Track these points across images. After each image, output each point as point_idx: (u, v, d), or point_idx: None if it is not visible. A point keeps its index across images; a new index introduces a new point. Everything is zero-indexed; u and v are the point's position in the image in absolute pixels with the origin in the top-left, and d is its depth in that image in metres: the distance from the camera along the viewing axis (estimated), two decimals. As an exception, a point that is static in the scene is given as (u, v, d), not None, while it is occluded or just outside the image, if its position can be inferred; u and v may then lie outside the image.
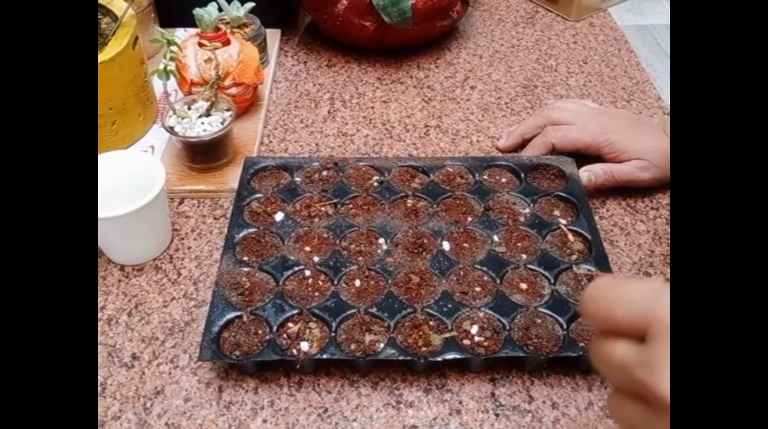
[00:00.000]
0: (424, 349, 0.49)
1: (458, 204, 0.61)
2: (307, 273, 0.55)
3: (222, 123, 0.65)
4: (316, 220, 0.60)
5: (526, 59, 0.88)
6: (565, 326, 0.51)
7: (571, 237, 0.58)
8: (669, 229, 0.64)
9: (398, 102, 0.80)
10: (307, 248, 0.57)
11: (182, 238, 0.63)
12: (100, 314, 0.56)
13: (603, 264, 0.55)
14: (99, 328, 0.55)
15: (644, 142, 0.65)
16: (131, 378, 0.51)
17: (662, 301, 0.28)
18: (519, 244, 0.58)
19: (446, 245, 0.57)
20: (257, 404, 0.50)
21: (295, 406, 0.49)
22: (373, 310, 0.52)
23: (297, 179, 0.64)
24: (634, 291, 0.30)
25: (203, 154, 0.66)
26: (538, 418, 0.49)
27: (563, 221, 0.60)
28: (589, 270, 0.55)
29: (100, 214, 0.52)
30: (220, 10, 0.73)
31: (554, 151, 0.68)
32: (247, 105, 0.75)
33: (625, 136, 0.66)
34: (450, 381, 0.51)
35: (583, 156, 0.67)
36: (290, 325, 0.51)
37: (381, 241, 0.58)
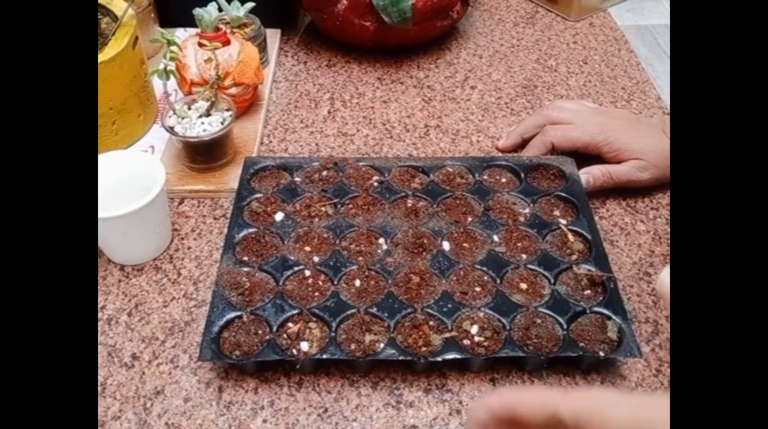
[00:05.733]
0: (424, 349, 0.49)
1: (458, 204, 0.61)
2: (307, 273, 0.55)
3: (222, 123, 0.65)
4: (316, 220, 0.60)
5: (526, 59, 0.88)
6: (565, 326, 0.51)
7: (571, 237, 0.58)
8: (669, 229, 0.64)
9: (398, 102, 0.80)
10: (307, 248, 0.57)
11: (182, 238, 0.63)
12: (100, 314, 0.56)
13: (603, 264, 0.55)
14: (99, 328, 0.55)
15: (643, 142, 0.65)
16: (131, 378, 0.51)
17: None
18: (519, 244, 0.58)
19: (446, 245, 0.57)
20: (257, 404, 0.50)
21: (295, 406, 0.49)
22: (373, 310, 0.52)
23: (297, 179, 0.64)
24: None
25: (203, 154, 0.66)
26: (538, 418, 0.49)
27: (563, 221, 0.60)
28: (589, 270, 0.55)
29: (100, 214, 0.52)
30: (220, 10, 0.73)
31: (554, 150, 0.68)
32: (247, 105, 0.75)
33: (624, 135, 0.66)
34: (450, 381, 0.51)
35: (583, 156, 0.67)
36: (290, 325, 0.51)
37: (381, 241, 0.58)
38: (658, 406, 0.26)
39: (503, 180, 0.65)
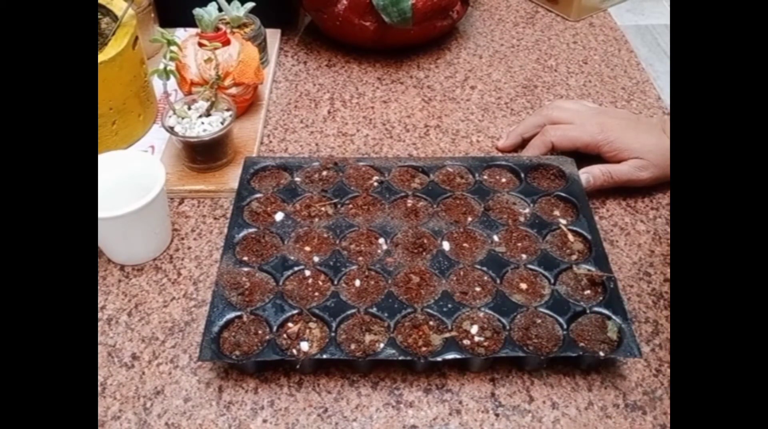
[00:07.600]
0: (424, 349, 0.49)
1: (458, 204, 0.61)
2: (307, 273, 0.55)
3: (222, 123, 0.65)
4: (316, 220, 0.60)
5: (526, 59, 0.88)
6: (565, 326, 0.51)
7: (571, 237, 0.58)
8: (669, 229, 0.64)
9: (398, 102, 0.80)
10: (307, 248, 0.57)
11: (182, 238, 0.63)
12: (100, 314, 0.56)
13: (603, 264, 0.55)
14: (99, 328, 0.55)
15: (643, 142, 0.65)
16: (131, 378, 0.51)
17: None
18: (519, 244, 0.58)
19: (446, 245, 0.57)
20: (257, 404, 0.50)
21: (295, 406, 0.49)
22: (373, 310, 0.52)
23: (297, 179, 0.64)
24: None
25: (203, 154, 0.66)
26: (538, 418, 0.49)
27: (563, 221, 0.60)
28: (589, 270, 0.55)
29: (100, 214, 0.52)
30: (220, 10, 0.73)
31: (554, 150, 0.68)
32: (247, 105, 0.75)
33: (624, 135, 0.66)
34: (450, 381, 0.51)
35: (583, 155, 0.67)
36: (290, 325, 0.51)
37: (381, 241, 0.58)
38: None
39: (503, 180, 0.65)
